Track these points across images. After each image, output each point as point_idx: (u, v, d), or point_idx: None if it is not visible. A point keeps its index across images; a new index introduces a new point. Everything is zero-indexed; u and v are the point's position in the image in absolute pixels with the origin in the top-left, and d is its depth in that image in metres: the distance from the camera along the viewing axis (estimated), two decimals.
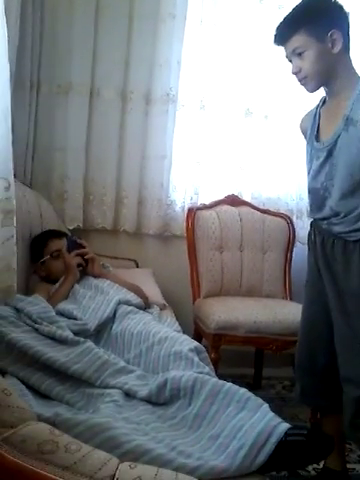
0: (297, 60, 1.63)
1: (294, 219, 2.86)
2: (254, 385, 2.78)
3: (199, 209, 2.72)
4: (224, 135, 2.86)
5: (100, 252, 2.45)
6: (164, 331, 1.73)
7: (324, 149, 1.67)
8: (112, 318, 1.90)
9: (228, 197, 2.82)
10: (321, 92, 1.79)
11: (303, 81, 1.66)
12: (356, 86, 1.61)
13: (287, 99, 2.83)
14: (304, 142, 1.86)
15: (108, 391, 1.40)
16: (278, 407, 2.56)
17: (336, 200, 1.64)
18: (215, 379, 1.42)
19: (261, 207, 2.84)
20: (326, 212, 1.69)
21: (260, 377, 2.82)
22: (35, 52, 2.53)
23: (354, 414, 1.64)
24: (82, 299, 2.02)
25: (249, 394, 1.35)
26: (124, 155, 2.73)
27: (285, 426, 1.22)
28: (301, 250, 2.83)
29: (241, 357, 2.76)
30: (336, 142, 1.63)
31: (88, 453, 0.84)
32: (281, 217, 2.81)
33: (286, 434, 1.21)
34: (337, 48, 1.61)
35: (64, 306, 1.94)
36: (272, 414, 1.27)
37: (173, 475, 0.83)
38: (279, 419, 1.26)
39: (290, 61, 1.69)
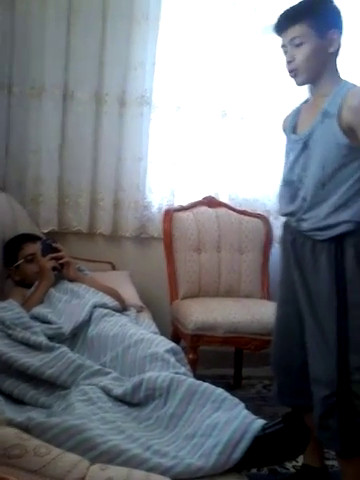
0: (293, 49, 1.63)
1: (271, 220, 2.87)
2: (234, 385, 2.79)
3: (176, 211, 2.71)
4: (200, 137, 2.86)
5: (76, 255, 2.43)
6: (140, 333, 1.72)
7: (300, 141, 1.69)
8: (88, 321, 1.88)
9: (205, 198, 2.82)
10: (297, 96, 1.81)
11: (293, 73, 1.66)
12: (338, 85, 1.64)
13: (263, 100, 2.84)
14: (282, 142, 1.88)
15: (83, 387, 1.38)
16: (258, 406, 2.57)
17: (308, 190, 1.65)
18: (191, 379, 1.41)
19: (238, 208, 2.85)
20: (297, 204, 1.69)
21: (240, 377, 2.82)
22: (6, 53, 2.50)
23: (322, 415, 1.65)
24: (57, 303, 2.00)
25: (226, 394, 1.35)
26: (99, 157, 2.71)
27: (260, 422, 1.22)
28: (278, 250, 2.82)
29: (221, 357, 2.76)
30: (312, 134, 1.65)
31: (58, 456, 0.82)
32: (258, 218, 2.82)
33: (263, 429, 1.20)
34: (333, 48, 1.64)
35: (39, 310, 1.91)
36: (247, 412, 1.27)
37: (144, 476, 0.82)
38: (254, 416, 1.25)
39: (285, 52, 1.68)
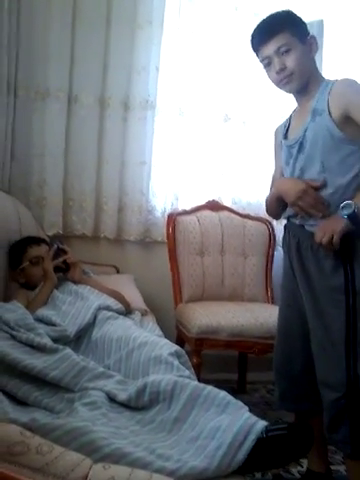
0: (282, 58, 1.64)
1: (274, 224, 2.86)
2: (238, 389, 2.77)
3: (179, 215, 2.72)
4: (203, 141, 2.87)
5: (80, 258, 2.42)
6: (144, 336, 1.72)
7: (295, 144, 1.70)
8: (92, 324, 1.88)
9: (208, 202, 2.82)
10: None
11: (288, 79, 1.66)
12: (323, 84, 1.67)
13: (265, 105, 2.86)
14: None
15: (87, 392, 1.38)
16: (263, 411, 2.56)
17: None
18: (195, 383, 1.41)
19: (241, 212, 2.85)
20: None
21: (244, 381, 2.81)
22: (12, 57, 2.52)
23: (332, 418, 1.64)
24: (62, 305, 2.00)
25: (229, 397, 1.34)
26: (103, 161, 2.72)
27: (263, 423, 1.21)
28: (281, 254, 2.82)
29: (225, 362, 2.75)
30: (305, 134, 1.66)
31: (60, 454, 0.82)
32: (261, 222, 2.81)
33: (267, 431, 1.20)
34: (314, 52, 1.69)
35: (43, 312, 1.92)
36: (250, 414, 1.26)
37: (147, 475, 0.81)
38: (257, 418, 1.25)
39: (267, 64, 1.69)
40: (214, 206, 2.82)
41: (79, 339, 1.83)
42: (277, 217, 2.01)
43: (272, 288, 2.72)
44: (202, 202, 2.82)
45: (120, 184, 2.75)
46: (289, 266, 1.79)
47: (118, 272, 2.75)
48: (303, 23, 1.69)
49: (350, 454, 1.65)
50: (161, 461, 1.12)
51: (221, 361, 2.70)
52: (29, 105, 2.59)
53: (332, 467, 2.00)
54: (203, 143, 2.87)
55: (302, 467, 2.08)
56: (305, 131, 1.66)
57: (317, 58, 2.74)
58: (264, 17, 1.72)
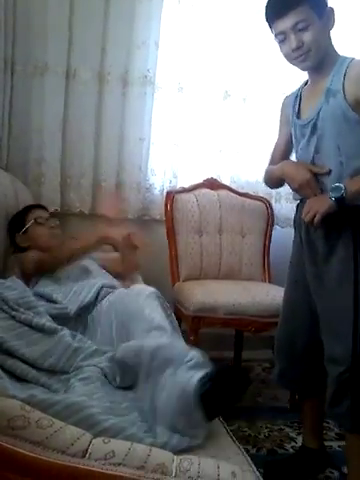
0: (299, 34, 1.56)
1: (273, 202, 2.86)
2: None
3: (178, 192, 2.70)
4: (202, 118, 2.85)
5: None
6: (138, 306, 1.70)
7: (308, 125, 1.67)
8: (93, 303, 1.87)
9: (207, 180, 2.81)
10: (301, 76, 1.79)
11: (305, 56, 1.60)
12: (337, 62, 1.62)
13: (265, 82, 2.83)
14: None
15: (82, 369, 1.39)
16: (258, 389, 2.60)
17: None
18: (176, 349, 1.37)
19: (240, 190, 2.84)
20: None
21: (240, 359, 2.84)
22: (8, 32, 2.47)
23: (335, 391, 1.65)
24: (66, 279, 1.99)
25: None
26: (101, 138, 2.69)
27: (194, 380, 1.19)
28: (280, 233, 2.84)
29: (221, 340, 2.77)
30: (318, 115, 1.63)
31: (60, 428, 0.83)
32: (260, 200, 2.81)
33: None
34: (331, 26, 1.61)
35: (45, 288, 1.91)
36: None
37: (147, 449, 0.82)
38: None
39: (282, 40, 1.61)
40: (213, 184, 2.80)
41: (79, 317, 1.82)
42: (273, 188, 2.06)
43: (269, 267, 2.73)
44: (200, 180, 2.81)
45: (118, 161, 2.73)
46: (299, 242, 1.79)
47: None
48: None
49: (350, 428, 1.67)
50: (154, 437, 1.13)
51: (217, 339, 2.72)
52: (27, 81, 2.55)
53: (326, 443, 2.04)
54: (202, 120, 2.84)
55: (296, 443, 2.12)
56: (318, 112, 1.63)
57: None
58: None
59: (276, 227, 2.84)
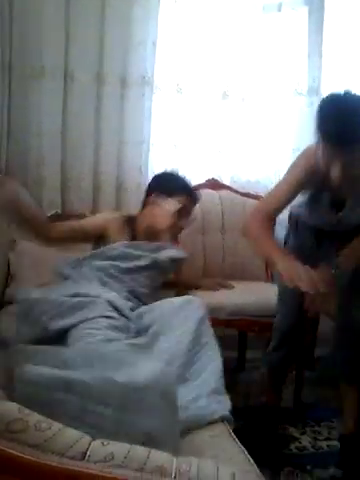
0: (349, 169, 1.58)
1: None
2: (237, 368, 2.79)
3: None
4: (201, 118, 2.83)
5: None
6: None
7: None
8: None
9: (208, 181, 2.81)
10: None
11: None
12: None
13: (263, 82, 2.81)
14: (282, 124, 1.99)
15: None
16: (263, 389, 2.57)
17: None
18: None
19: (241, 190, 2.83)
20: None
21: (244, 360, 2.82)
22: (5, 35, 2.46)
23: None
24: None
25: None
26: (101, 140, 2.68)
27: None
28: (282, 233, 2.82)
29: (224, 340, 2.74)
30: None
31: (59, 431, 0.82)
32: None
33: None
34: None
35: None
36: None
37: (146, 451, 0.82)
38: None
39: (332, 156, 1.59)
40: (214, 185, 2.80)
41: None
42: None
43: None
44: (201, 181, 2.80)
45: (118, 162, 2.72)
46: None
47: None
48: None
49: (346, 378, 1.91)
50: None
51: (220, 340, 2.70)
52: (25, 83, 2.54)
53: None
54: (201, 121, 2.83)
55: (300, 443, 2.10)
56: None
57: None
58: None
59: (277, 226, 2.82)
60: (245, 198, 2.79)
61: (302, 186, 1.80)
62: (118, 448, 0.83)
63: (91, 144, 2.66)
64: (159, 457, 0.80)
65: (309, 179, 1.77)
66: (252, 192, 2.83)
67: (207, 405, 1.32)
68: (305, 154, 1.80)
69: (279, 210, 1.83)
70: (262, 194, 2.81)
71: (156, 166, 2.79)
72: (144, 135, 2.71)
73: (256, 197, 2.80)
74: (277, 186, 1.88)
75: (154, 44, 2.65)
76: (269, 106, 2.79)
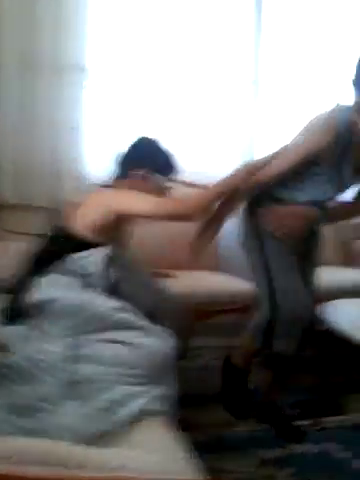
0: None
1: None
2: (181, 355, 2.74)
3: None
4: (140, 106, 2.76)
5: (11, 229, 2.31)
6: None
7: None
8: None
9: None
10: None
11: None
12: None
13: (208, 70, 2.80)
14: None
15: None
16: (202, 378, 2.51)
17: None
18: None
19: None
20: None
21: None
22: None
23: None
24: None
25: None
26: (34, 125, 2.57)
27: None
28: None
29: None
30: None
31: None
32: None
33: None
34: None
35: None
36: None
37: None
38: None
39: None
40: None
41: None
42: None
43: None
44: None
45: (53, 150, 2.61)
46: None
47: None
48: None
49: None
50: None
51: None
52: None
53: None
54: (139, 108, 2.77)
55: None
56: None
57: None
58: None
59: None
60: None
61: (311, 160, 1.60)
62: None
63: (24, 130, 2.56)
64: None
65: (326, 151, 1.57)
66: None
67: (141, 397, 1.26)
68: (327, 120, 1.56)
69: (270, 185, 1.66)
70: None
71: (91, 153, 2.70)
72: (78, 122, 2.62)
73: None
74: (280, 154, 1.65)
75: (85, 25, 2.56)
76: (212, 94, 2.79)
